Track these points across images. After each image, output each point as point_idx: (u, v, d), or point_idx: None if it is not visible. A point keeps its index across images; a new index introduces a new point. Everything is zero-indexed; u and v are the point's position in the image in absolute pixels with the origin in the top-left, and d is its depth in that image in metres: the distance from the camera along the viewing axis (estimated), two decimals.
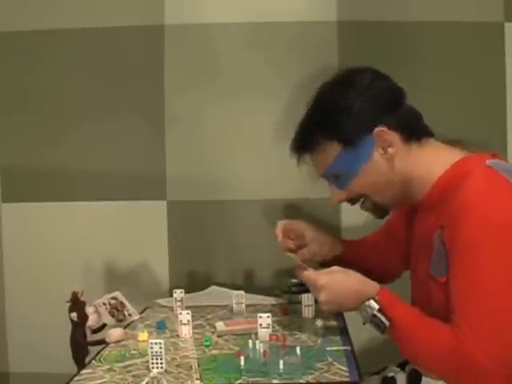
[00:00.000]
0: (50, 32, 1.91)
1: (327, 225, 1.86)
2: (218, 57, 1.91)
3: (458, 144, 1.28)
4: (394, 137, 1.22)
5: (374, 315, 1.16)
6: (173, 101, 1.91)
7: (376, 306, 1.17)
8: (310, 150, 1.30)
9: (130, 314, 1.47)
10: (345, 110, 1.22)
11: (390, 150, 1.23)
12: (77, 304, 1.35)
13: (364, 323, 1.20)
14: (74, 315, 1.34)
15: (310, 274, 1.28)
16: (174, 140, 1.92)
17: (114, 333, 1.34)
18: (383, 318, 1.16)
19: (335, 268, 1.25)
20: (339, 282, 1.22)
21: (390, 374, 1.35)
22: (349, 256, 1.48)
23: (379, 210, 1.32)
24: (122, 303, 1.45)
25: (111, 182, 1.93)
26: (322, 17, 1.87)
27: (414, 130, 1.24)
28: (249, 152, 1.91)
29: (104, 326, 1.41)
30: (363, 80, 1.25)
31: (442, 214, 1.18)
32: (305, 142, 1.30)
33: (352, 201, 1.33)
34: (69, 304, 1.35)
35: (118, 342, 1.33)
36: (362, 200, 1.31)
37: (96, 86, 1.92)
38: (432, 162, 1.23)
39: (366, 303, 1.18)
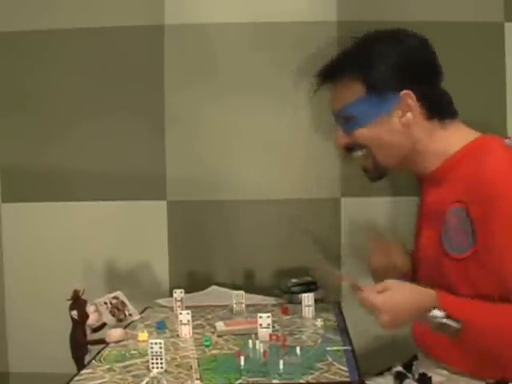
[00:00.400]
0: (49, 32, 1.91)
1: (327, 225, 1.86)
2: (217, 57, 1.91)
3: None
4: (416, 106, 1.23)
5: (443, 323, 1.11)
6: (173, 101, 1.91)
7: (441, 314, 1.12)
8: (336, 80, 1.28)
9: (130, 314, 1.48)
10: (385, 58, 1.22)
11: (408, 115, 1.23)
12: (78, 302, 1.34)
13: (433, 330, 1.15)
14: (74, 313, 1.34)
15: (364, 298, 1.18)
16: (173, 140, 1.92)
17: (114, 333, 1.34)
18: (453, 323, 1.11)
19: (388, 283, 1.17)
20: (396, 299, 1.15)
21: (404, 371, 1.34)
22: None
23: (376, 171, 1.31)
24: (122, 303, 1.45)
25: (111, 182, 1.93)
26: (322, 17, 1.87)
27: (439, 110, 1.25)
28: (249, 152, 1.91)
29: (104, 325, 1.41)
30: (412, 42, 1.25)
31: (457, 188, 1.17)
32: (335, 70, 1.29)
33: (352, 150, 1.32)
34: (70, 302, 1.35)
35: (118, 342, 1.33)
36: (363, 153, 1.30)
37: (96, 85, 1.92)
38: (450, 140, 1.23)
39: (430, 314, 1.12)
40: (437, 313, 1.12)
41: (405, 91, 1.22)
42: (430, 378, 1.25)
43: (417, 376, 1.31)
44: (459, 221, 1.15)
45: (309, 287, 1.69)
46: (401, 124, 1.24)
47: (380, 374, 1.41)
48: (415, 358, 1.37)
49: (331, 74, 1.29)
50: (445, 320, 1.11)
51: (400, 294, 1.15)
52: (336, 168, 1.87)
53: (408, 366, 1.36)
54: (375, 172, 1.32)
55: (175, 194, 1.92)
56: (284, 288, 1.73)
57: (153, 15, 1.90)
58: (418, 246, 1.32)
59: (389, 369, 1.39)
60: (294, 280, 1.72)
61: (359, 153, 1.31)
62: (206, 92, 1.90)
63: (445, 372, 1.24)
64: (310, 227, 1.84)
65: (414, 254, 1.38)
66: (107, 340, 1.33)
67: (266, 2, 1.89)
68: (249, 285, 1.87)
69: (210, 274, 1.91)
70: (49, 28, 1.91)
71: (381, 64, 1.22)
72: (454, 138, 1.24)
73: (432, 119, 1.24)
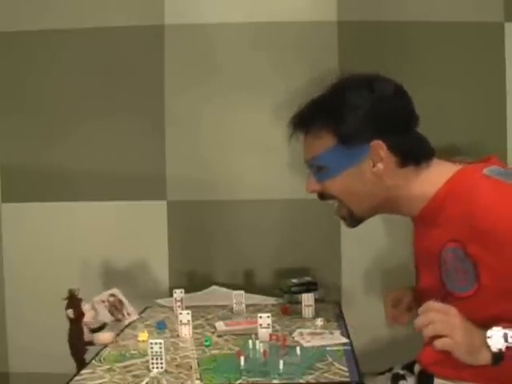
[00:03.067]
0: (49, 32, 1.91)
1: (327, 225, 1.86)
2: (217, 57, 1.91)
3: (456, 156, 1.27)
4: (388, 157, 1.20)
5: (506, 333, 1.04)
6: (173, 101, 1.91)
7: (499, 327, 1.05)
8: (306, 129, 1.28)
9: (129, 314, 1.48)
10: (355, 108, 1.20)
11: (379, 165, 1.20)
12: (73, 301, 1.35)
13: (499, 358, 1.06)
14: (70, 312, 1.34)
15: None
16: (173, 140, 1.92)
17: (102, 336, 1.34)
18: None
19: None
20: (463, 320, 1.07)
21: (402, 372, 1.34)
22: None
23: (351, 219, 1.29)
24: (120, 301, 1.45)
25: (111, 182, 1.93)
26: (322, 17, 1.87)
27: (413, 157, 1.22)
28: (249, 152, 1.91)
29: (105, 325, 1.41)
30: (385, 90, 1.22)
31: (449, 229, 1.16)
32: (305, 120, 1.28)
33: (322, 197, 1.31)
34: (65, 301, 1.35)
35: (107, 344, 1.33)
36: (336, 204, 1.29)
37: (96, 85, 1.92)
38: (429, 180, 1.21)
39: (490, 332, 1.05)
40: (495, 328, 1.06)
41: (375, 141, 1.19)
42: (431, 376, 1.24)
43: (417, 374, 1.30)
44: (456, 260, 1.15)
45: (309, 287, 1.69)
46: (372, 174, 1.21)
47: (381, 374, 1.41)
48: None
49: (302, 124, 1.28)
50: (506, 330, 1.05)
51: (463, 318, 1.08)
52: None
53: (410, 367, 1.36)
54: (351, 220, 1.30)
55: (175, 193, 1.92)
56: (284, 288, 1.73)
57: (153, 15, 1.90)
58: (420, 286, 1.31)
59: (390, 369, 1.39)
60: (293, 280, 1.72)
61: (330, 202, 1.30)
62: (206, 92, 1.90)
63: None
64: (310, 227, 1.84)
65: (416, 291, 1.37)
66: (95, 342, 1.33)
67: (266, 2, 1.89)
68: (249, 285, 1.87)
69: (209, 274, 1.91)
70: (49, 28, 1.91)
71: (351, 114, 1.20)
72: (432, 177, 1.21)
73: (406, 166, 1.22)
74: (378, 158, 1.20)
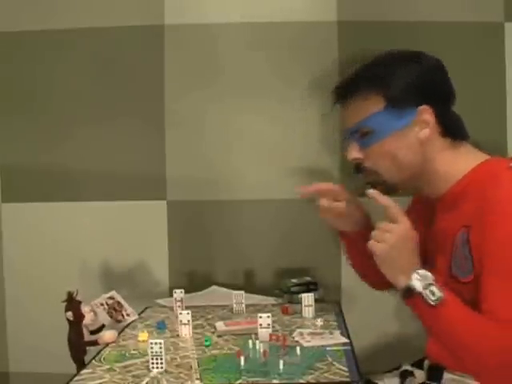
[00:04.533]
0: (49, 32, 1.91)
1: (327, 225, 1.86)
2: (217, 57, 1.91)
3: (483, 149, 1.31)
4: (433, 123, 1.24)
5: (431, 283, 1.11)
6: (173, 101, 1.91)
7: (432, 277, 1.12)
8: (354, 94, 1.28)
9: (128, 315, 1.48)
10: (404, 74, 1.24)
11: (426, 130, 1.24)
12: (72, 303, 1.35)
13: (408, 294, 1.14)
14: (69, 314, 1.34)
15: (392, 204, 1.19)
16: (174, 140, 1.92)
17: (105, 336, 1.34)
18: (439, 288, 1.11)
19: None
20: (410, 234, 1.16)
21: (410, 369, 1.35)
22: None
23: (384, 190, 1.29)
24: (119, 303, 1.45)
25: (111, 182, 1.93)
26: (322, 17, 1.87)
27: (453, 130, 1.27)
28: (249, 151, 1.91)
29: (103, 326, 1.41)
30: (430, 62, 1.27)
31: (465, 213, 1.18)
32: (353, 86, 1.29)
33: (359, 168, 1.32)
34: (64, 304, 1.35)
35: (110, 343, 1.33)
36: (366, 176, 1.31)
37: (95, 85, 1.92)
38: (459, 162, 1.25)
39: (423, 271, 1.13)
40: (428, 274, 1.12)
41: (423, 106, 1.23)
42: (442, 369, 1.25)
43: (427, 369, 1.31)
44: (462, 244, 1.17)
45: (309, 287, 1.69)
46: (417, 139, 1.25)
47: (389, 372, 1.41)
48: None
49: (350, 90, 1.29)
50: (432, 281, 1.11)
51: (410, 237, 1.16)
52: (336, 168, 1.88)
53: (419, 363, 1.36)
54: (384, 191, 1.31)
55: (175, 193, 1.92)
56: (284, 288, 1.73)
57: (153, 15, 1.90)
58: (433, 270, 1.32)
59: (398, 367, 1.39)
60: (293, 280, 1.72)
61: (364, 177, 1.32)
62: (205, 92, 1.90)
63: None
64: (310, 227, 1.84)
65: None
66: (99, 341, 1.33)
67: (267, 2, 1.89)
68: (249, 285, 1.87)
69: (209, 273, 1.91)
70: (49, 28, 1.91)
71: (400, 79, 1.24)
72: (463, 160, 1.25)
73: (446, 137, 1.26)
74: (425, 123, 1.24)
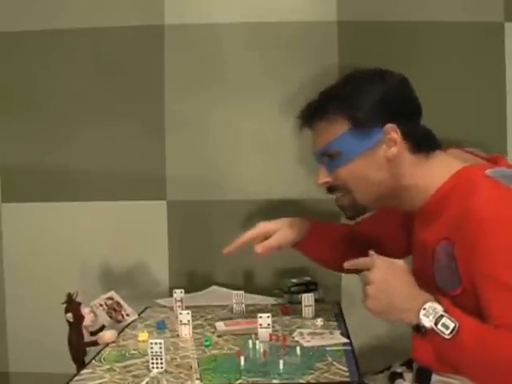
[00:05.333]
0: (49, 32, 1.91)
1: None
2: (218, 57, 1.91)
3: (469, 151, 1.30)
4: (400, 141, 1.23)
5: (442, 315, 1.06)
6: (173, 101, 1.91)
7: (441, 308, 1.07)
8: (319, 117, 1.28)
9: (127, 315, 1.48)
10: (369, 94, 1.24)
11: (393, 149, 1.23)
12: (72, 305, 1.35)
13: (421, 330, 1.08)
14: (69, 316, 1.34)
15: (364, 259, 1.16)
16: (174, 140, 1.92)
17: (105, 336, 1.34)
18: (451, 319, 1.05)
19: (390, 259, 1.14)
20: (393, 272, 1.12)
21: (399, 370, 1.34)
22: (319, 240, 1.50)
23: (353, 208, 1.30)
24: (118, 303, 1.45)
25: (111, 182, 1.93)
26: (322, 17, 1.87)
27: (423, 143, 1.25)
28: (249, 151, 1.91)
29: (103, 327, 1.41)
30: (395, 80, 1.27)
31: (444, 224, 1.17)
32: (319, 109, 1.29)
33: (332, 189, 1.32)
34: (64, 306, 1.35)
35: (110, 343, 1.33)
36: (340, 194, 1.30)
37: (95, 85, 1.92)
38: (434, 173, 1.23)
39: (430, 304, 1.07)
40: (437, 306, 1.07)
41: (389, 125, 1.22)
42: (430, 372, 1.25)
43: (415, 371, 1.31)
44: (446, 257, 1.16)
45: (309, 287, 1.69)
46: (385, 159, 1.24)
47: (380, 372, 1.41)
48: None
49: (315, 113, 1.29)
50: (443, 313, 1.05)
51: (401, 273, 1.13)
52: None
53: (409, 363, 1.36)
54: (353, 210, 1.31)
55: (175, 193, 1.92)
56: (284, 288, 1.73)
57: (153, 15, 1.90)
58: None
59: (389, 368, 1.39)
60: (293, 280, 1.72)
61: (338, 195, 1.31)
62: (206, 92, 1.90)
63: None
64: None
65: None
66: (99, 341, 1.33)
67: (267, 2, 1.89)
68: (249, 285, 1.87)
69: (210, 273, 1.91)
70: (49, 28, 1.91)
71: (365, 99, 1.23)
72: (436, 171, 1.23)
73: (416, 153, 1.25)
74: (392, 141, 1.23)
